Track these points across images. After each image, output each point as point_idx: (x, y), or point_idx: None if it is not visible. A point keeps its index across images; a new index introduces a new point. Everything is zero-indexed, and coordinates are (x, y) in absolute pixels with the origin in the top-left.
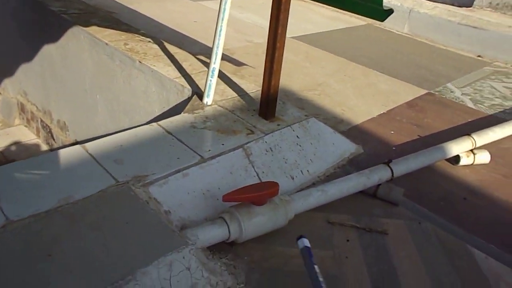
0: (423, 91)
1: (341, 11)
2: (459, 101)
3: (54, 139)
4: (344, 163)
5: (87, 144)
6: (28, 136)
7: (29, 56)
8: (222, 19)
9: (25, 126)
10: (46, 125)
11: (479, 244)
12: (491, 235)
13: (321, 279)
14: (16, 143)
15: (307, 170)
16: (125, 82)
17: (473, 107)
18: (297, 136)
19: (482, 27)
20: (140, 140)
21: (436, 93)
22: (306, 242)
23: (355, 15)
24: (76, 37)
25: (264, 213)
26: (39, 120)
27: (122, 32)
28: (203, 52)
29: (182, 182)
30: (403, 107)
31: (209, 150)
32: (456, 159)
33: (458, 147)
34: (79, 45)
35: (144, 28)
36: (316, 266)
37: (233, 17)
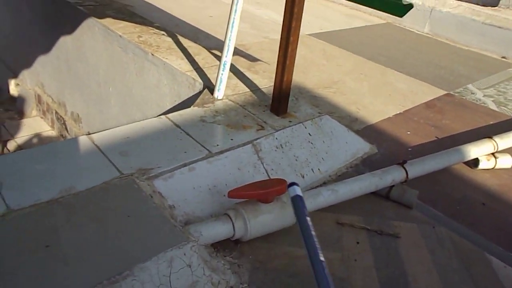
0: (442, 92)
1: (359, 9)
2: (481, 103)
3: (68, 131)
4: (357, 163)
5: (94, 135)
6: (44, 127)
7: (46, 48)
8: (235, 11)
9: (41, 117)
10: (61, 116)
11: (498, 252)
12: (511, 243)
13: (313, 232)
14: (32, 135)
15: (318, 169)
16: (137, 75)
17: (496, 109)
18: (309, 134)
19: (508, 27)
20: (147, 132)
21: (456, 94)
22: (298, 190)
23: (374, 12)
24: (91, 29)
25: (270, 211)
26: (54, 112)
27: (136, 25)
28: (217, 46)
29: (188, 176)
30: (420, 108)
31: (218, 145)
32: (475, 162)
33: (478, 150)
34: (94, 37)
35: (158, 21)
36: (308, 219)
37: (250, 13)
